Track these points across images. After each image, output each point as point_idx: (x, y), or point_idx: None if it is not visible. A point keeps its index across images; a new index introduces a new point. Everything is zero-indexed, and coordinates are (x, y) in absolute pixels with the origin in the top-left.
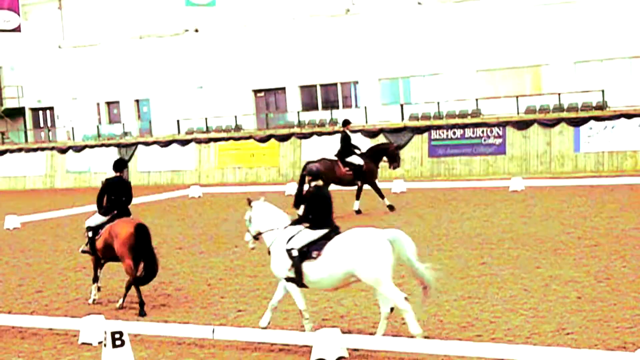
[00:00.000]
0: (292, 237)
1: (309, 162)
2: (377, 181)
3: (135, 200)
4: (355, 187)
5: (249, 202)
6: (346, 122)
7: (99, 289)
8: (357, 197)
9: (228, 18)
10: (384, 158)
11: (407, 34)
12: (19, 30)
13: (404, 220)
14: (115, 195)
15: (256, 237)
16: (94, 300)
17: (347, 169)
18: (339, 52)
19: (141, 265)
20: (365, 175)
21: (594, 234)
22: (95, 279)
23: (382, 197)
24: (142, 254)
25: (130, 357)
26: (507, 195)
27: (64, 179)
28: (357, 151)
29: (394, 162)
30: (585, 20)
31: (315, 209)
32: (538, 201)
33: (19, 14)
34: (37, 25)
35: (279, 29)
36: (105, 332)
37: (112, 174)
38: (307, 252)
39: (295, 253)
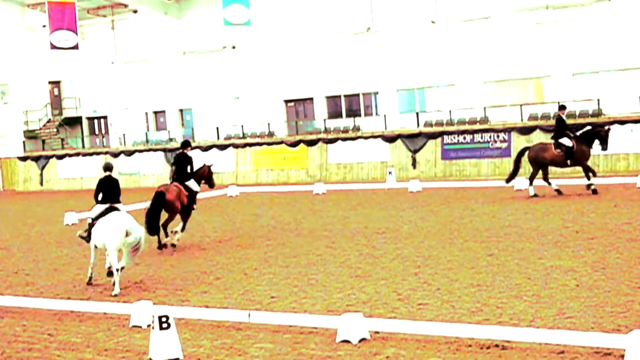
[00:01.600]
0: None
1: (525, 148)
2: (588, 163)
3: None
4: (568, 169)
5: None
6: (562, 107)
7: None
8: (587, 177)
9: (262, 36)
10: (596, 140)
11: (422, 49)
12: (77, 48)
13: (420, 216)
14: (177, 165)
15: None
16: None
17: (559, 150)
18: (360, 66)
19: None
20: (575, 156)
21: (590, 228)
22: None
23: (588, 178)
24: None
25: (175, 338)
26: (512, 194)
27: None
28: (570, 134)
29: (604, 144)
30: (582, 36)
31: (103, 191)
32: (540, 199)
33: (77, 34)
34: (93, 44)
35: (307, 45)
36: (153, 316)
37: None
38: (94, 220)
39: (89, 220)
